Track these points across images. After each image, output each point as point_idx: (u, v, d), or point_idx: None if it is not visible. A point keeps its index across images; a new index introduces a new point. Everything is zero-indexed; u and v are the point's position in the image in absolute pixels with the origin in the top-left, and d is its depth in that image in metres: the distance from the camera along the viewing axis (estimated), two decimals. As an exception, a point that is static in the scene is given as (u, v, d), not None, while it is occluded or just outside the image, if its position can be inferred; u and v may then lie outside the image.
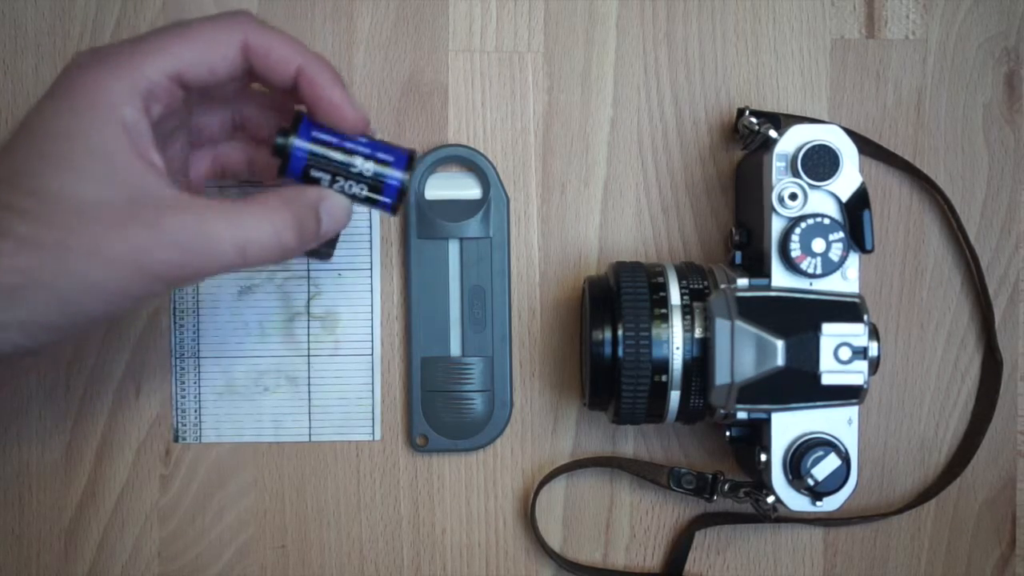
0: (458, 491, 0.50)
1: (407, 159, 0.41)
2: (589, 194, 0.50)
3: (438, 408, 0.49)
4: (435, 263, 0.49)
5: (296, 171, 0.40)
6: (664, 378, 0.43)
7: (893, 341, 0.50)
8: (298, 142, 0.40)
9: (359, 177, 0.41)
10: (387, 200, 0.41)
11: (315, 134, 0.40)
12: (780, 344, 0.40)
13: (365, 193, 0.41)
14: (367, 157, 0.41)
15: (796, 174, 0.42)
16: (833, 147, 0.42)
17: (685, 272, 0.44)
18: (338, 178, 0.40)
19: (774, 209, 0.42)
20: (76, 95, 0.36)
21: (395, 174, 0.41)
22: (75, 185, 0.35)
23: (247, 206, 0.38)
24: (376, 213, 0.50)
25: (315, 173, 0.40)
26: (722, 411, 0.43)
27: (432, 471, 0.50)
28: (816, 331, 0.41)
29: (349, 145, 0.40)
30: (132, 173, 0.36)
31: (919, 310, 0.50)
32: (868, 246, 0.42)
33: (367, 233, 0.50)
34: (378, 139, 0.41)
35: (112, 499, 0.50)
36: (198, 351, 0.50)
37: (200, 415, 0.50)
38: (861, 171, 0.43)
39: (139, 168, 0.36)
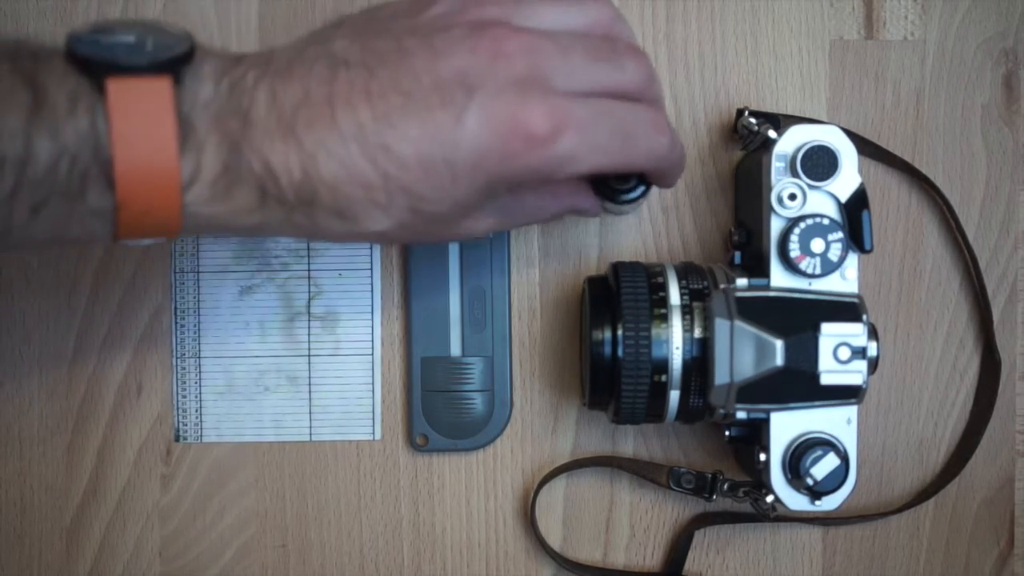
0: (458, 491, 0.50)
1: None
2: (589, 194, 0.50)
3: (438, 408, 0.49)
4: (435, 263, 0.49)
5: (612, 201, 0.44)
6: (664, 378, 0.43)
7: (892, 341, 0.50)
8: (636, 193, 0.43)
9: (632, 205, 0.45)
10: (619, 211, 0.48)
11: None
12: (779, 344, 0.40)
13: (610, 208, 0.45)
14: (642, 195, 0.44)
15: (795, 174, 0.42)
16: (832, 147, 0.42)
17: (685, 272, 0.44)
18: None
19: (773, 209, 0.42)
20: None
21: (641, 203, 0.46)
22: None
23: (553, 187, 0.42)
24: None
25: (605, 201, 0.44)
26: (722, 411, 0.43)
27: (432, 471, 0.50)
28: (815, 331, 0.41)
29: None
30: None
31: (918, 310, 0.50)
32: (867, 246, 0.42)
33: (367, 233, 0.50)
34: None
35: (113, 498, 0.50)
36: (199, 351, 0.50)
37: (201, 415, 0.50)
38: (860, 171, 0.43)
39: None
